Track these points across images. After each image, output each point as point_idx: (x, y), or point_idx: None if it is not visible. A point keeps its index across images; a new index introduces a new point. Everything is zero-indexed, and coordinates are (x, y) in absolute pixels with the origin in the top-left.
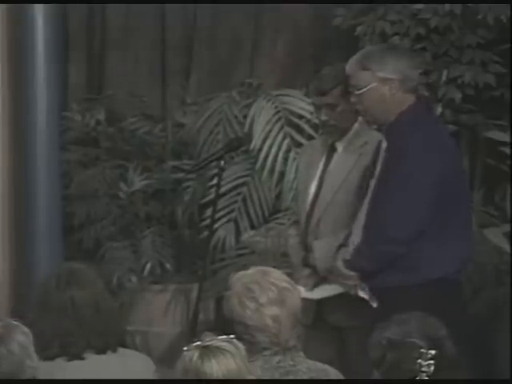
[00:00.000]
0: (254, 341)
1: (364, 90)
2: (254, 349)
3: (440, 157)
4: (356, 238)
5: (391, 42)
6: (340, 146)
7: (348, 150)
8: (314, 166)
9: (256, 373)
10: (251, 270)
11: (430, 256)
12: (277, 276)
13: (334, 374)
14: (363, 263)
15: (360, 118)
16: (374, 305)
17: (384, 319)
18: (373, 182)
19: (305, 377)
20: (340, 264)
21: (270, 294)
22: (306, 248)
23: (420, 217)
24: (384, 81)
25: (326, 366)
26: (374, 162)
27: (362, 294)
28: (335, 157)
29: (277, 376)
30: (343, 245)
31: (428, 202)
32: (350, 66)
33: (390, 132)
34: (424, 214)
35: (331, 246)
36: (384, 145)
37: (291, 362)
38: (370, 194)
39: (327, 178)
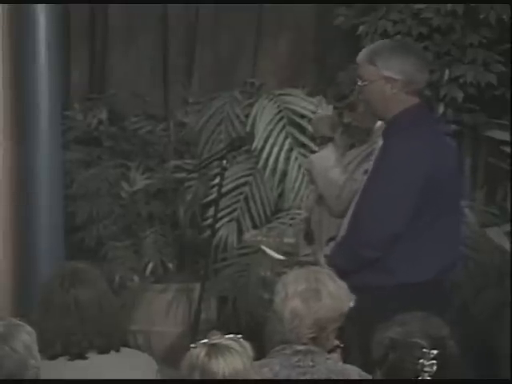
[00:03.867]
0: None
1: (366, 83)
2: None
3: (430, 162)
4: (342, 233)
5: (404, 40)
6: (358, 144)
7: (364, 146)
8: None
9: (275, 368)
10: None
11: (407, 259)
12: (326, 277)
13: (356, 374)
14: (338, 261)
15: None
16: (351, 304)
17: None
18: (365, 179)
19: (322, 377)
20: (322, 258)
21: (299, 286)
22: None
23: (400, 221)
24: (387, 79)
25: (348, 367)
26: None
27: None
28: (351, 152)
29: (293, 375)
30: (332, 238)
31: (410, 206)
32: (360, 56)
33: (386, 131)
34: (404, 218)
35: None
36: (380, 143)
37: (311, 363)
38: (360, 191)
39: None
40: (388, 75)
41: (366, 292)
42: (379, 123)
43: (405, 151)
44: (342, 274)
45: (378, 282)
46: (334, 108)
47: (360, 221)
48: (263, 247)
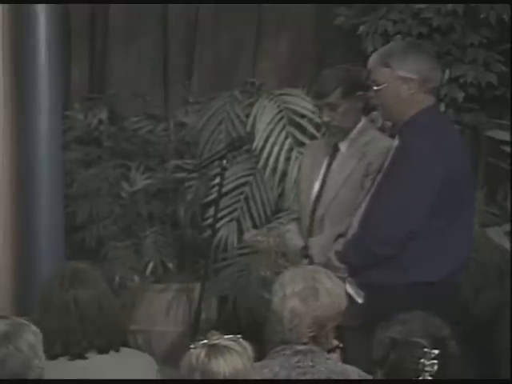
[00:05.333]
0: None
1: (382, 86)
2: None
3: (447, 162)
4: (353, 230)
5: (415, 40)
6: (343, 146)
7: (351, 148)
8: (317, 165)
9: (274, 369)
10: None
11: (421, 258)
12: (323, 276)
13: (356, 374)
14: (351, 258)
15: (364, 118)
16: (360, 301)
17: (373, 317)
18: (379, 177)
19: (322, 377)
20: (332, 255)
21: (296, 286)
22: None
23: (416, 220)
24: (403, 80)
25: (347, 367)
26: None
27: (348, 288)
28: (338, 156)
29: (293, 375)
30: (341, 235)
31: (426, 206)
32: (372, 60)
33: (403, 131)
34: (421, 217)
35: (327, 241)
36: (396, 142)
37: (311, 363)
38: (373, 189)
39: (330, 176)
40: (404, 75)
41: (378, 290)
42: (361, 124)
43: (423, 151)
44: (354, 271)
45: (390, 279)
46: (315, 105)
47: (375, 218)
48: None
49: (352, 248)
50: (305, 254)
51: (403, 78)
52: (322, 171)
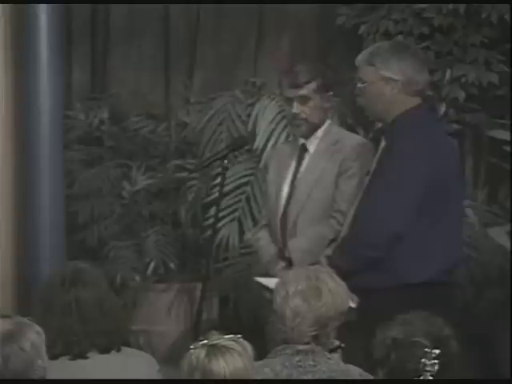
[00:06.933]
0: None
1: (365, 84)
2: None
3: (433, 163)
4: (343, 233)
5: (403, 41)
6: (311, 146)
7: (319, 148)
8: (284, 168)
9: (276, 368)
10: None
11: (410, 260)
12: (326, 275)
13: (357, 373)
14: (341, 262)
15: (330, 117)
16: (353, 305)
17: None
18: (367, 179)
19: (324, 377)
20: (323, 259)
21: (299, 285)
22: (283, 245)
23: (402, 221)
24: (386, 80)
25: (350, 367)
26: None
27: None
28: (307, 157)
29: (295, 375)
30: (334, 239)
31: (413, 207)
32: (360, 57)
33: (388, 132)
34: (407, 218)
35: (308, 243)
36: (382, 144)
37: (312, 362)
38: (362, 192)
39: (300, 178)
40: (387, 76)
41: (369, 293)
42: (327, 124)
43: (408, 152)
44: (345, 275)
45: (380, 282)
46: (286, 98)
47: (362, 221)
48: (257, 279)
49: (340, 252)
50: (281, 256)
51: (386, 78)
52: (291, 174)
